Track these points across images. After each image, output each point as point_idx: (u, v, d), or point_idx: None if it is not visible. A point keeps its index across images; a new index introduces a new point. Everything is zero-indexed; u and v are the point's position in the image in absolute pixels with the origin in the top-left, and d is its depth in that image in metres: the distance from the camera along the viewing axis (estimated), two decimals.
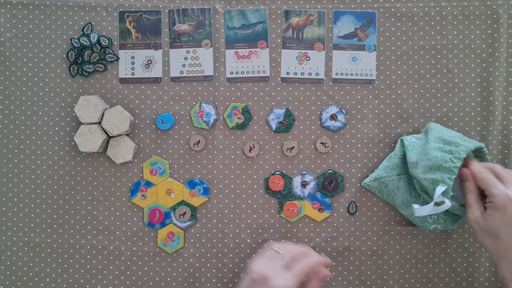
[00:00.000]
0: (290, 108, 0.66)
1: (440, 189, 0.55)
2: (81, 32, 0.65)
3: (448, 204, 0.55)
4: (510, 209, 0.53)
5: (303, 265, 0.53)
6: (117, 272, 0.65)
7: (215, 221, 0.65)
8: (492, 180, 0.55)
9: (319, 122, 0.66)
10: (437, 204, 0.56)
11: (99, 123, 0.63)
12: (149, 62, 0.66)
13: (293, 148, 0.65)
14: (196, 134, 0.65)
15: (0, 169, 0.65)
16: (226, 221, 0.65)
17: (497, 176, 0.55)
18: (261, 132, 0.66)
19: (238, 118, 0.65)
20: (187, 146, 0.65)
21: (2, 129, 0.65)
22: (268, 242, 0.64)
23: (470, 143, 0.57)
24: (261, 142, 0.66)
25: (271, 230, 0.65)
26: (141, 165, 0.65)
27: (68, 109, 0.65)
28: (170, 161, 0.65)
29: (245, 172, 0.65)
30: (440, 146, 0.57)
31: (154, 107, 0.66)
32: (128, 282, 0.65)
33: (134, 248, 0.65)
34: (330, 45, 0.66)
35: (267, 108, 0.66)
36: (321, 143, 0.65)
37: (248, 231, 0.65)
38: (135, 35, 0.66)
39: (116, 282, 0.65)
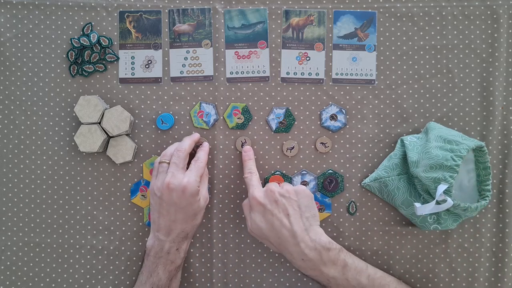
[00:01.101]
0: (290, 108, 0.66)
1: (441, 187, 0.55)
2: (81, 32, 0.65)
3: (450, 202, 0.55)
4: (257, 207, 0.56)
5: (198, 162, 0.58)
6: (117, 272, 0.65)
7: (215, 221, 0.65)
8: (248, 182, 0.59)
9: (319, 122, 0.66)
10: (439, 202, 0.56)
11: (99, 123, 0.63)
12: (149, 62, 0.66)
13: (293, 148, 0.65)
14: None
15: (0, 169, 0.65)
16: (226, 221, 0.65)
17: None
18: (261, 132, 0.66)
19: (238, 118, 0.65)
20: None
21: (2, 129, 0.65)
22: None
23: (471, 142, 0.58)
24: (261, 142, 0.66)
25: None
26: (141, 165, 0.65)
27: (68, 109, 0.65)
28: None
29: None
30: (441, 145, 0.57)
31: (154, 107, 0.66)
32: (128, 282, 0.65)
33: (134, 248, 0.65)
34: (330, 45, 0.66)
35: (267, 108, 0.66)
36: (321, 143, 0.65)
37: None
38: (135, 35, 0.66)
39: (116, 282, 0.65)
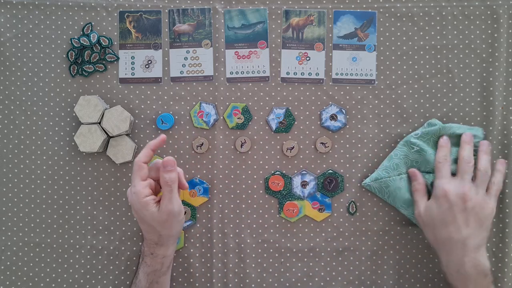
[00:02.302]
0: (290, 108, 0.66)
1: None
2: (81, 32, 0.65)
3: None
4: (443, 201, 0.55)
5: (136, 165, 0.54)
6: (117, 272, 0.65)
7: (215, 221, 0.65)
8: (442, 171, 0.58)
9: (319, 122, 0.66)
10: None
11: (99, 123, 0.63)
12: (149, 62, 0.66)
13: (293, 148, 0.65)
14: (200, 136, 0.65)
15: (0, 169, 0.65)
16: (226, 221, 0.65)
17: (459, 168, 0.58)
18: (261, 132, 0.66)
19: (238, 118, 0.65)
20: (187, 147, 0.65)
21: (2, 129, 0.65)
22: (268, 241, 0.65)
23: (475, 131, 0.62)
24: (261, 142, 0.66)
25: (271, 230, 0.65)
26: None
27: (68, 109, 0.65)
28: None
29: (245, 172, 0.65)
30: (455, 143, 0.62)
31: (154, 107, 0.66)
32: (128, 282, 0.65)
33: (134, 248, 0.65)
34: (330, 45, 0.66)
35: (267, 108, 0.66)
36: (321, 143, 0.65)
37: (248, 231, 0.65)
38: (135, 35, 0.66)
39: (116, 282, 0.65)
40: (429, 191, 0.60)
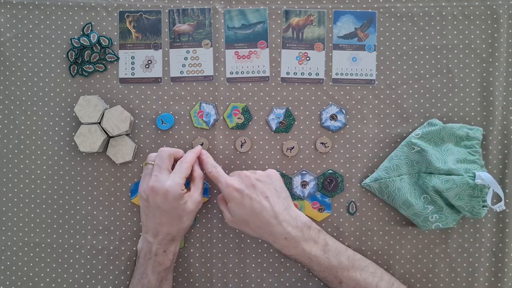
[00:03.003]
0: (290, 108, 0.66)
1: (482, 173, 0.58)
2: (81, 32, 0.65)
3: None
4: (234, 193, 0.56)
5: (184, 163, 0.58)
6: (117, 272, 0.65)
7: (215, 221, 0.65)
8: (216, 175, 0.59)
9: (319, 122, 0.66)
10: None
11: (99, 123, 0.63)
12: (149, 62, 0.66)
13: (293, 148, 0.65)
14: (200, 136, 0.65)
15: (0, 169, 0.65)
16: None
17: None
18: (261, 132, 0.66)
19: (238, 118, 0.65)
20: (187, 147, 0.65)
21: (2, 129, 0.65)
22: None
23: (475, 131, 0.62)
24: (261, 142, 0.66)
25: None
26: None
27: (68, 109, 0.65)
28: None
29: None
30: (456, 143, 0.62)
31: (154, 107, 0.66)
32: (128, 282, 0.65)
33: (134, 248, 0.65)
34: (330, 45, 0.66)
35: (267, 108, 0.66)
36: (321, 143, 0.65)
37: None
38: (135, 35, 0.66)
39: (116, 282, 0.65)
40: (433, 199, 0.60)
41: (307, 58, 0.66)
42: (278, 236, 0.56)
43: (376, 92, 0.66)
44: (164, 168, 0.57)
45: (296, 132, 0.66)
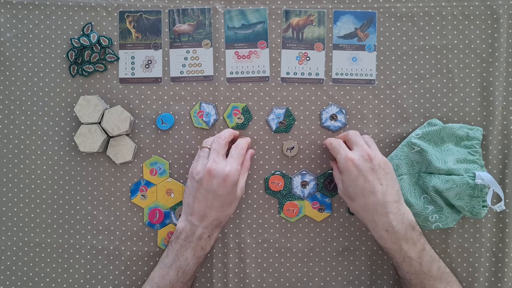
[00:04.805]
0: (290, 108, 0.66)
1: (482, 173, 0.58)
2: (81, 32, 0.65)
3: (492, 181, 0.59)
4: (351, 168, 0.55)
5: (240, 149, 0.58)
6: (117, 272, 0.65)
7: None
8: (337, 147, 0.58)
9: (319, 122, 0.66)
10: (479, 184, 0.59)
11: (99, 123, 0.63)
12: (149, 62, 0.66)
13: (293, 148, 0.65)
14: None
15: (0, 169, 0.65)
16: None
17: (347, 142, 0.59)
18: (261, 132, 0.66)
19: (238, 118, 0.65)
20: (187, 147, 0.65)
21: (2, 129, 0.65)
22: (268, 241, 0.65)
23: (475, 131, 0.62)
24: (261, 142, 0.66)
25: (271, 230, 0.65)
26: (141, 165, 0.65)
27: (68, 109, 0.65)
28: (170, 161, 0.65)
29: None
30: (456, 143, 0.62)
31: (154, 107, 0.66)
32: (128, 282, 0.65)
33: (134, 248, 0.65)
34: (330, 45, 0.66)
35: (267, 108, 0.66)
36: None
37: (248, 231, 0.65)
38: (135, 35, 0.66)
39: (116, 282, 0.65)
40: (433, 199, 0.60)
41: (307, 58, 0.66)
42: (380, 225, 0.55)
43: (376, 92, 0.66)
44: (222, 154, 0.57)
45: (296, 132, 0.66)
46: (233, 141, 0.62)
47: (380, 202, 0.54)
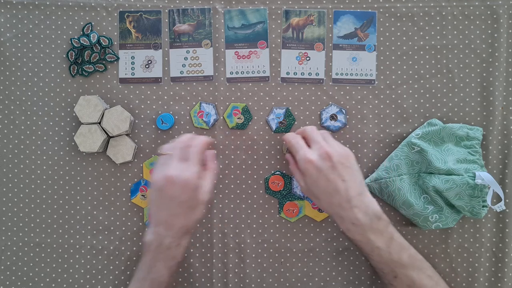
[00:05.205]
0: (290, 108, 0.66)
1: (482, 173, 0.58)
2: (81, 32, 0.65)
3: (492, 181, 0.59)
4: (312, 170, 0.55)
5: (195, 150, 0.56)
6: (117, 272, 0.65)
7: (215, 221, 0.65)
8: (296, 145, 0.57)
9: (319, 122, 0.66)
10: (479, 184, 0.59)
11: (99, 123, 0.63)
12: (149, 62, 0.66)
13: None
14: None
15: (0, 169, 0.65)
16: (226, 221, 0.65)
17: (305, 138, 0.58)
18: (261, 132, 0.66)
19: (238, 118, 0.65)
20: None
21: (2, 129, 0.65)
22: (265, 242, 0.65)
23: (475, 131, 0.62)
24: (261, 142, 0.66)
25: (271, 230, 0.65)
26: (141, 165, 0.65)
27: (68, 109, 0.65)
28: None
29: (245, 172, 0.65)
30: (456, 143, 0.62)
31: (154, 107, 0.66)
32: (128, 282, 0.65)
33: (134, 248, 0.65)
34: (330, 45, 0.66)
35: (267, 108, 0.66)
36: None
37: (248, 231, 0.65)
38: (135, 35, 0.66)
39: (116, 282, 0.65)
40: (433, 199, 0.60)
41: (307, 58, 0.66)
42: (347, 220, 0.55)
43: (376, 92, 0.66)
44: (181, 159, 0.55)
45: None
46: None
47: (344, 198, 0.54)
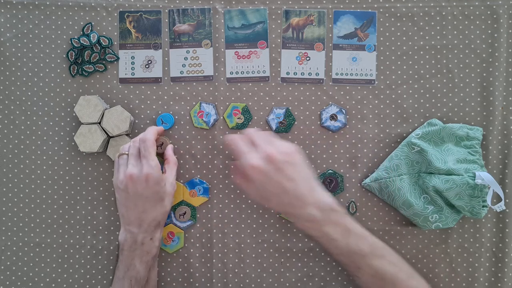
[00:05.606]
0: (290, 108, 0.66)
1: (482, 173, 0.58)
2: (81, 32, 0.65)
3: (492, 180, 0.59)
4: (257, 176, 0.54)
5: (148, 144, 0.57)
6: None
7: (215, 221, 0.65)
8: (239, 150, 0.56)
9: (319, 122, 0.66)
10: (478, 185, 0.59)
11: (99, 123, 0.63)
12: (149, 62, 0.66)
13: None
14: (162, 136, 0.65)
15: (0, 169, 0.65)
16: (226, 221, 0.65)
17: (252, 142, 0.57)
18: None
19: (238, 118, 0.65)
20: (187, 146, 0.65)
21: (2, 129, 0.65)
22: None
23: (475, 131, 0.62)
24: None
25: (271, 230, 0.65)
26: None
27: (68, 109, 0.65)
28: None
29: None
30: (456, 143, 0.62)
31: (154, 107, 0.66)
32: None
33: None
34: (330, 45, 0.66)
35: (267, 108, 0.66)
36: None
37: (248, 231, 0.65)
38: (135, 35, 0.66)
39: None
40: (433, 199, 0.60)
41: (307, 58, 0.66)
42: (301, 218, 0.55)
43: (376, 92, 0.66)
44: (137, 156, 0.57)
45: (296, 132, 0.66)
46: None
47: (294, 198, 0.54)
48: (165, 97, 0.66)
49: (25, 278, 0.65)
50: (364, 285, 0.57)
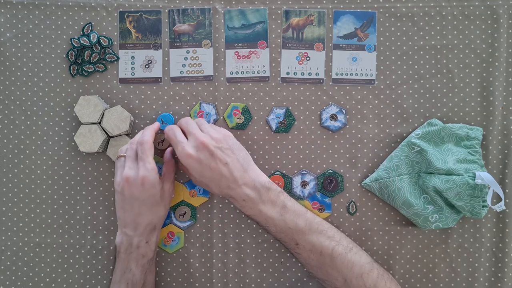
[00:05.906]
0: (290, 108, 0.66)
1: (482, 173, 0.59)
2: (81, 32, 0.65)
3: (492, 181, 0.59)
4: (193, 164, 0.55)
5: (145, 147, 0.56)
6: None
7: (215, 221, 0.65)
8: (173, 139, 0.57)
9: (319, 122, 0.66)
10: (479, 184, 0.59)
11: (99, 123, 0.63)
12: (149, 62, 0.66)
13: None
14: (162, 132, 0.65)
15: (0, 169, 0.65)
16: (226, 221, 0.65)
17: (184, 131, 0.58)
18: (261, 132, 0.66)
19: (238, 118, 0.65)
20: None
21: (2, 129, 0.65)
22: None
23: (475, 131, 0.62)
24: (261, 142, 0.66)
25: None
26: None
27: (68, 109, 0.65)
28: None
29: None
30: (456, 143, 0.62)
31: (154, 107, 0.66)
32: None
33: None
34: (330, 45, 0.66)
35: (267, 108, 0.66)
36: None
37: (248, 231, 0.65)
38: (135, 35, 0.66)
39: None
40: (433, 199, 0.60)
41: (307, 58, 0.66)
42: (237, 197, 0.56)
43: (376, 92, 0.66)
44: (134, 158, 0.57)
45: (296, 132, 0.66)
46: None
47: (231, 180, 0.55)
48: (165, 97, 0.66)
49: (25, 278, 0.65)
50: (304, 261, 0.58)
